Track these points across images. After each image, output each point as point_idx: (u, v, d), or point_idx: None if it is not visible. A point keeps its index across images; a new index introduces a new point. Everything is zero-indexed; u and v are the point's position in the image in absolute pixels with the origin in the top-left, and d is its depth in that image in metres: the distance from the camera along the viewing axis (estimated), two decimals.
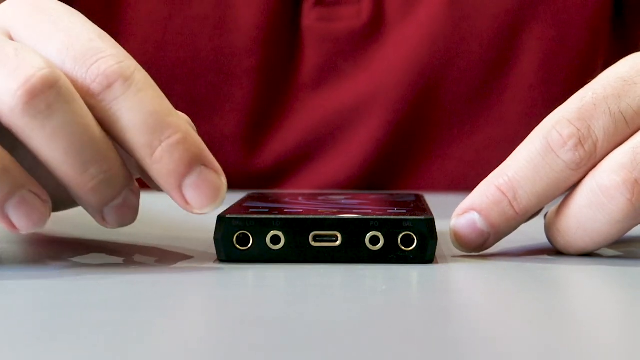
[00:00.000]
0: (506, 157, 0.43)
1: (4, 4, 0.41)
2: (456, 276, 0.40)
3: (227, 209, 0.43)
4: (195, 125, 0.42)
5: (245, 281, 0.39)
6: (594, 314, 0.35)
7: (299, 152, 0.72)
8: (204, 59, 0.70)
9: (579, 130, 0.41)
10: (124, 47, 0.40)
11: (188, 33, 0.70)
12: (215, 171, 0.39)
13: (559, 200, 0.43)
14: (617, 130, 0.41)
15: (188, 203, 0.39)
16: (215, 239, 0.41)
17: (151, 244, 0.46)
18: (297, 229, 0.41)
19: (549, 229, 0.43)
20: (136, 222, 0.40)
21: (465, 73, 0.70)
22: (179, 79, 0.70)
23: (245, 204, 0.46)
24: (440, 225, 0.41)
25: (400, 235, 0.41)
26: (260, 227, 0.41)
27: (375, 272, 0.40)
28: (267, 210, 0.43)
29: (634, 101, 0.42)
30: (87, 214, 0.40)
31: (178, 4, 0.70)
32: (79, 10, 0.41)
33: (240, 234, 0.41)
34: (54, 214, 0.40)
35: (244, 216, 0.41)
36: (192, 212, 0.39)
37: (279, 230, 0.41)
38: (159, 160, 0.38)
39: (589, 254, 0.43)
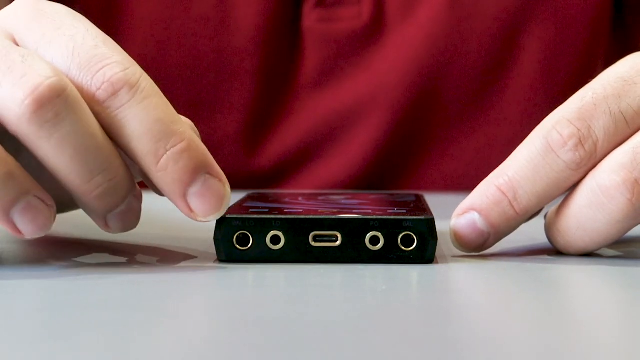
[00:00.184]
0: (506, 157, 0.43)
1: (7, 7, 0.41)
2: (456, 276, 0.40)
3: (227, 209, 0.43)
4: (195, 125, 0.42)
5: (245, 281, 0.39)
6: (594, 314, 0.35)
7: (299, 152, 0.72)
8: (204, 59, 0.70)
9: (579, 130, 0.41)
10: (125, 48, 0.40)
11: (189, 34, 0.70)
12: (220, 179, 0.39)
13: (559, 200, 0.43)
14: (617, 130, 0.41)
15: (192, 211, 0.39)
16: (215, 239, 0.41)
17: (151, 244, 0.46)
18: (297, 229, 0.41)
19: (549, 229, 0.43)
20: None
21: (466, 73, 0.70)
22: (180, 79, 0.70)
23: (245, 204, 0.46)
24: (440, 225, 0.41)
25: (400, 235, 0.41)
26: (260, 227, 0.41)
27: (375, 272, 0.40)
28: (267, 210, 0.43)
29: (634, 101, 0.42)
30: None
31: (179, 4, 0.70)
32: (79, 11, 0.41)
33: (240, 234, 0.41)
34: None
35: (244, 216, 0.41)
36: (196, 220, 0.39)
37: (279, 230, 0.41)
38: (164, 169, 0.38)
39: (589, 254, 0.43)
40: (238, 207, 0.44)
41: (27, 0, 0.41)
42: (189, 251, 0.44)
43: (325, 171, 0.72)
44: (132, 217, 0.40)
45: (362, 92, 0.71)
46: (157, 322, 0.33)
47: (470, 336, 0.31)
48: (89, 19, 0.41)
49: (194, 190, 0.39)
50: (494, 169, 0.43)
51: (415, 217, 0.41)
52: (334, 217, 0.41)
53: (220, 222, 0.41)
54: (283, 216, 0.41)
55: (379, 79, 0.70)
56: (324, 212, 0.42)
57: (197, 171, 0.39)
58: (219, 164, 0.40)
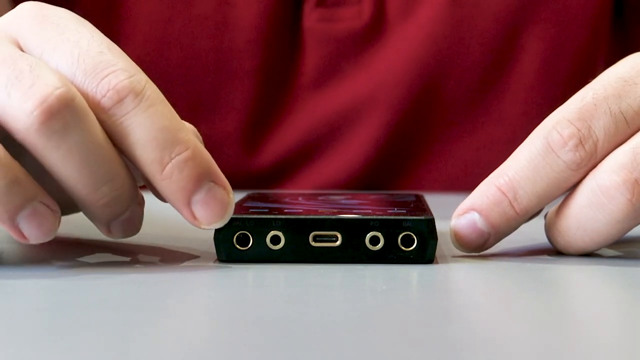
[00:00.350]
0: (506, 157, 0.43)
1: (10, 12, 0.41)
2: (456, 276, 0.40)
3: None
4: (195, 125, 0.42)
5: (245, 281, 0.39)
6: (594, 314, 0.35)
7: (299, 152, 0.72)
8: (204, 59, 0.70)
9: (579, 130, 0.41)
10: (124, 48, 0.40)
11: (189, 33, 0.70)
12: (224, 187, 0.39)
13: (559, 200, 0.43)
14: (617, 130, 0.41)
15: (196, 219, 0.39)
16: (215, 239, 0.41)
17: (151, 244, 0.46)
18: (297, 229, 0.41)
19: (549, 229, 0.43)
20: None
21: (466, 73, 0.70)
22: (180, 79, 0.70)
23: (245, 204, 0.46)
24: (440, 225, 0.41)
25: (400, 236, 0.41)
26: (260, 227, 0.41)
27: (375, 272, 0.40)
28: (267, 210, 0.43)
29: (635, 101, 0.42)
30: None
31: (179, 4, 0.70)
32: (80, 11, 0.41)
33: (240, 234, 0.41)
34: None
35: (244, 216, 0.41)
36: (200, 227, 0.39)
37: (279, 230, 0.41)
38: (169, 177, 0.38)
39: (589, 254, 0.43)
40: (238, 207, 0.44)
41: (31, 5, 0.41)
42: (189, 251, 0.44)
43: (325, 171, 0.72)
44: (134, 223, 0.40)
45: (362, 91, 0.71)
46: (157, 322, 0.33)
47: (470, 336, 0.31)
48: (89, 19, 0.41)
49: (198, 198, 0.39)
50: (494, 169, 0.43)
51: (415, 217, 0.41)
52: (334, 217, 0.41)
53: None
54: (283, 216, 0.41)
55: (379, 79, 0.70)
56: (324, 212, 0.42)
57: (202, 179, 0.39)
58: (218, 164, 0.40)
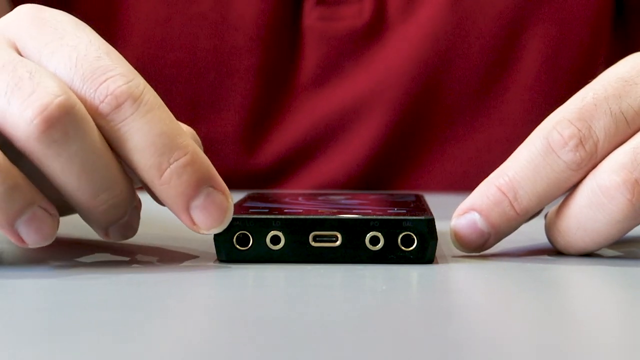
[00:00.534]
0: (507, 157, 0.43)
1: (8, 14, 0.41)
2: (456, 276, 0.40)
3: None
4: (194, 124, 0.42)
5: (245, 281, 0.39)
6: (594, 314, 0.35)
7: (298, 151, 0.72)
8: (203, 58, 0.70)
9: (579, 130, 0.41)
10: (124, 47, 0.40)
11: (188, 32, 0.70)
12: (222, 192, 0.39)
13: (559, 200, 0.43)
14: (617, 130, 0.41)
15: (195, 224, 0.39)
16: (215, 239, 0.41)
17: (151, 244, 0.46)
18: (297, 229, 0.41)
19: (549, 229, 0.43)
20: None
21: (467, 73, 0.70)
22: (179, 78, 0.70)
23: (245, 204, 0.46)
24: (440, 225, 0.41)
25: (401, 236, 0.41)
26: (260, 227, 0.41)
27: (375, 272, 0.40)
28: (267, 210, 0.43)
29: (635, 101, 0.42)
30: None
31: (178, 3, 0.70)
32: (78, 10, 0.41)
33: (240, 234, 0.41)
34: None
35: (244, 216, 0.41)
36: (198, 232, 0.39)
37: (279, 230, 0.41)
38: (167, 182, 0.38)
39: (589, 254, 0.43)
40: (238, 207, 0.44)
41: (29, 7, 0.41)
42: (189, 251, 0.44)
43: (325, 170, 0.72)
44: (132, 226, 0.41)
45: (363, 91, 0.71)
46: (157, 322, 0.33)
47: (470, 336, 0.31)
48: (87, 18, 0.41)
49: (197, 203, 0.39)
50: (495, 169, 0.43)
51: (415, 217, 0.41)
52: (334, 217, 0.41)
53: None
54: (283, 216, 0.41)
55: (380, 78, 0.70)
56: (323, 212, 0.42)
57: (200, 185, 0.39)
58: (218, 163, 0.40)
